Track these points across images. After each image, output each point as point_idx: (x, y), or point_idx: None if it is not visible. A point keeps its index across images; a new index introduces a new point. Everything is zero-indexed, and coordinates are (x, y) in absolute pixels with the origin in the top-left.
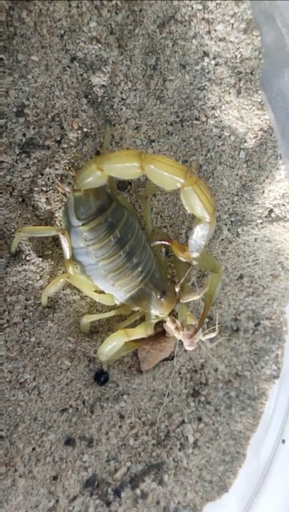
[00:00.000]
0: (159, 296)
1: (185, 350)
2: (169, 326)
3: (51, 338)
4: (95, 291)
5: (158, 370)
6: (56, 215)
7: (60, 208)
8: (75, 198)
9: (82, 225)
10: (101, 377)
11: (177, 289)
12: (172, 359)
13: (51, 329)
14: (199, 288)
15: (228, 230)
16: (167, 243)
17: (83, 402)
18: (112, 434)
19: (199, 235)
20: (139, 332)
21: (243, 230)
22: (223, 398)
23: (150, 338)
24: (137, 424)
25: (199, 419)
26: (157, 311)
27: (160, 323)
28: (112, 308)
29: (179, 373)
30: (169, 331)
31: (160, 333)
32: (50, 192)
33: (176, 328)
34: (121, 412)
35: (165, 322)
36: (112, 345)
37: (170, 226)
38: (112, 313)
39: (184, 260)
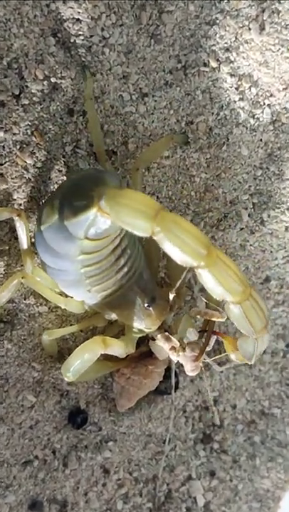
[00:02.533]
0: (146, 304)
1: (192, 381)
2: (162, 345)
3: (9, 365)
4: (60, 293)
5: (155, 408)
6: (15, 197)
7: (19, 187)
8: (96, 217)
9: (89, 239)
10: (77, 417)
11: (171, 296)
12: (170, 392)
13: (9, 352)
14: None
15: (250, 215)
16: (218, 336)
17: (53, 452)
18: (92, 496)
19: (248, 348)
20: (119, 346)
21: (269, 216)
22: (243, 445)
23: (132, 360)
24: (127, 482)
25: (212, 474)
26: (142, 324)
27: (146, 340)
28: (79, 318)
29: (184, 411)
30: (157, 352)
31: (145, 353)
32: (6, 165)
33: (173, 348)
34: (105, 464)
35: (153, 339)
36: (84, 358)
37: (170, 211)
38: (79, 327)
39: (236, 359)
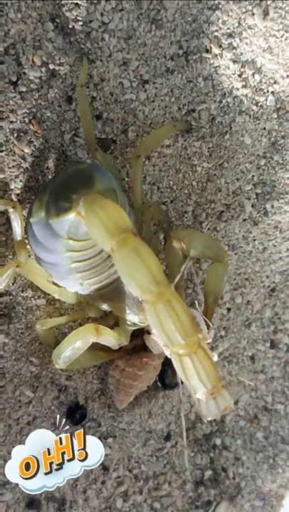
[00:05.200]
0: (140, 298)
1: None
2: (156, 340)
3: (6, 359)
4: (54, 283)
5: (155, 404)
6: (12, 187)
7: (16, 177)
8: (76, 220)
9: (73, 239)
10: (76, 413)
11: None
12: (169, 387)
13: (6, 347)
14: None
15: (253, 206)
16: None
17: None
18: (91, 493)
19: (203, 408)
20: (112, 336)
21: (273, 207)
22: (246, 441)
23: (126, 352)
24: (127, 479)
25: (214, 472)
26: (136, 318)
27: (140, 334)
28: (74, 308)
29: (184, 407)
30: (151, 346)
31: (139, 346)
32: (3, 154)
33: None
34: (104, 461)
35: (148, 333)
36: (75, 345)
37: (171, 202)
38: (73, 317)
39: None
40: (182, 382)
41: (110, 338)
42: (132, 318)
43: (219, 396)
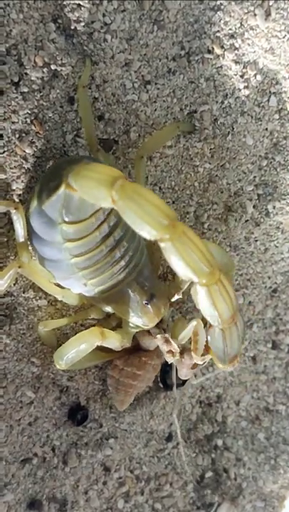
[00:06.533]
0: (144, 302)
1: (194, 376)
2: (160, 345)
3: (7, 360)
4: (57, 284)
5: (157, 405)
6: (14, 187)
7: (18, 178)
8: (66, 196)
9: (67, 222)
10: (77, 413)
11: (177, 297)
12: (171, 388)
13: (7, 347)
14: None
15: (254, 207)
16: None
17: (53, 450)
18: (93, 494)
19: (218, 344)
20: (116, 339)
21: (274, 207)
22: (247, 442)
23: (125, 352)
24: (128, 480)
25: (215, 473)
26: (140, 321)
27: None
28: (78, 309)
29: (185, 408)
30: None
31: (139, 346)
32: (4, 155)
33: (171, 352)
34: (106, 462)
35: (149, 333)
36: (80, 347)
37: (173, 202)
38: (75, 318)
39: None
40: (183, 384)
41: (114, 341)
42: (136, 320)
43: (238, 321)
